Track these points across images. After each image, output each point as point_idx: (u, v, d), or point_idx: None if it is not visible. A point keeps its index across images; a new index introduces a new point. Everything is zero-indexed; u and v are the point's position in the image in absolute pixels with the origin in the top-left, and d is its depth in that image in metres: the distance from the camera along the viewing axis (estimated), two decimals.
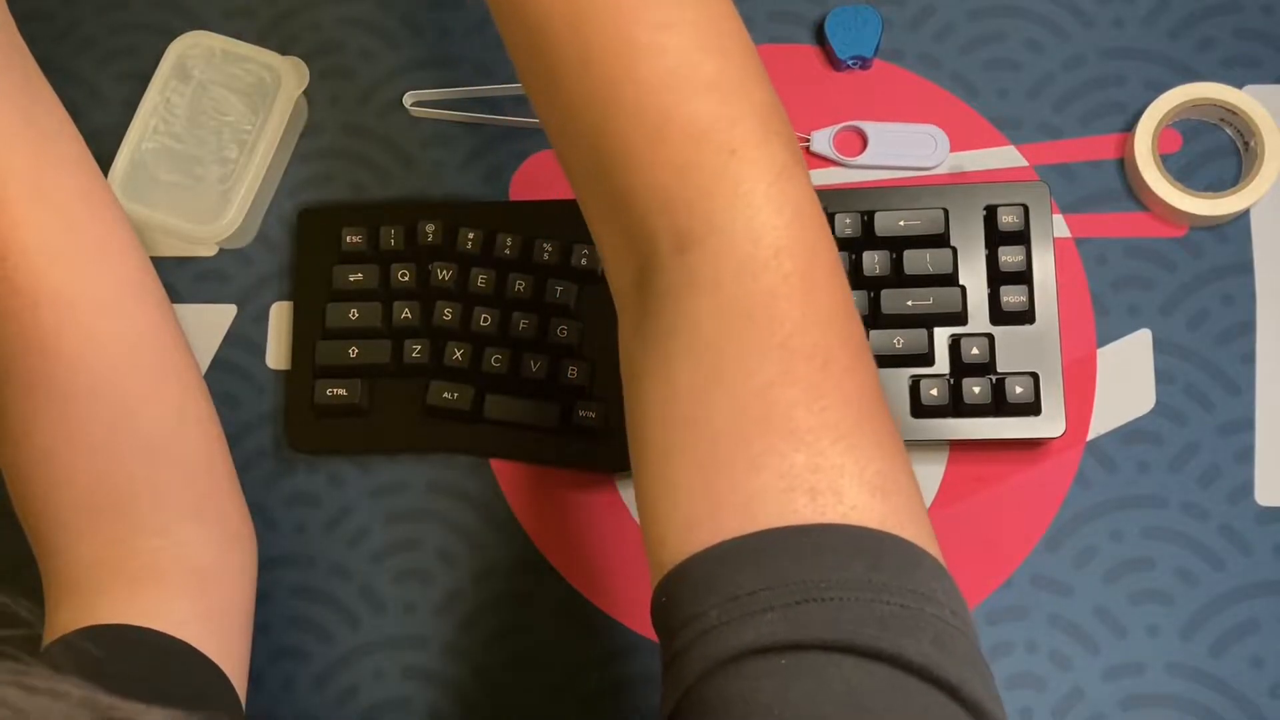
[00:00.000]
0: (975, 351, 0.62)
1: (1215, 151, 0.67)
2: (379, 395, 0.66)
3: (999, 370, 0.63)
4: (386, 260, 0.67)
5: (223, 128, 0.69)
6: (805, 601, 0.37)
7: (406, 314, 0.66)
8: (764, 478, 0.39)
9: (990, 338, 0.63)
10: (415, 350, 0.65)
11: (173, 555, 0.56)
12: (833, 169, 0.69)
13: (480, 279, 0.66)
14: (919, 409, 0.63)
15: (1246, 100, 0.65)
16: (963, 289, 0.64)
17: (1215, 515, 0.63)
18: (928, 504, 0.64)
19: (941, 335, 0.64)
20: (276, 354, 0.70)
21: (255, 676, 0.62)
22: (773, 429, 0.39)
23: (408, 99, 0.72)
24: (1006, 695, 0.62)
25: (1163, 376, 0.65)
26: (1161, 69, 0.68)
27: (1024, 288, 0.63)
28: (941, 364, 0.63)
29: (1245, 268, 0.66)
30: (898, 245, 0.63)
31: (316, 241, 0.69)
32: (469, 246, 0.66)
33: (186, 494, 0.58)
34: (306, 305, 0.68)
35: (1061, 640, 0.63)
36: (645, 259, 0.44)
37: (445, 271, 0.66)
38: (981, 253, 0.64)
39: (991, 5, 0.70)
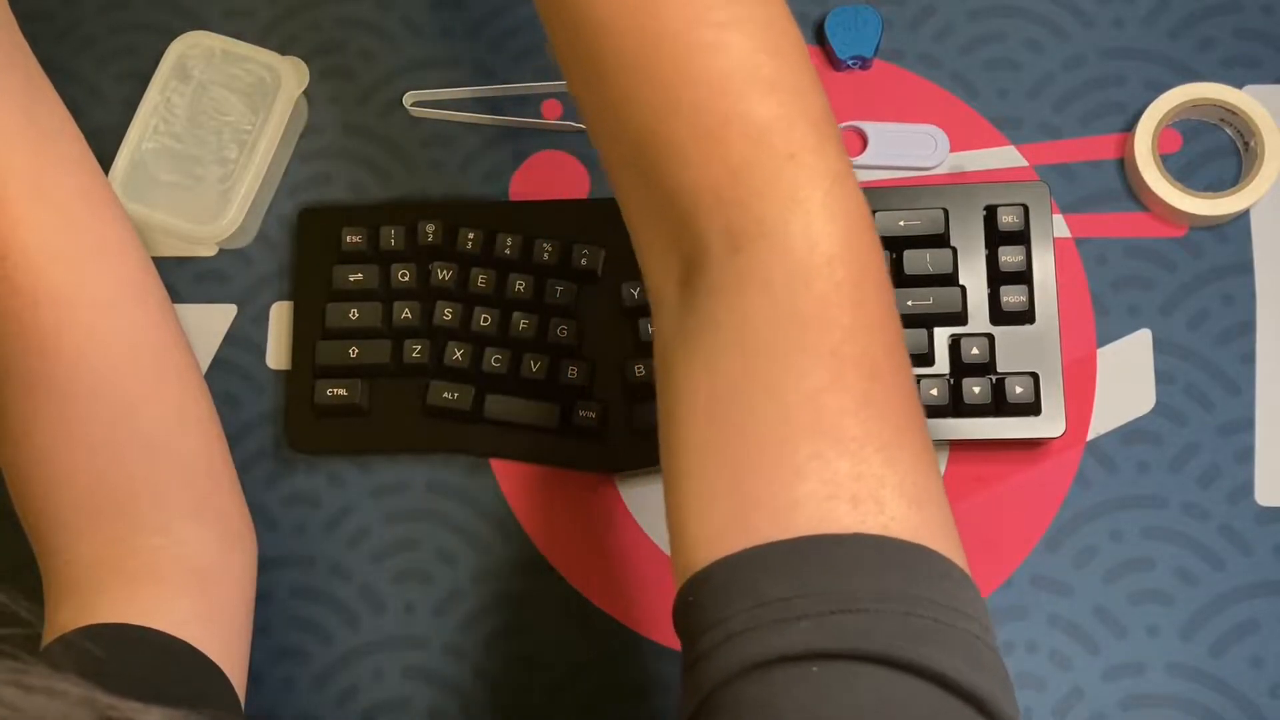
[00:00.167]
0: (975, 351, 0.62)
1: (1215, 151, 0.67)
2: (379, 395, 0.66)
3: (999, 370, 0.63)
4: (386, 260, 0.67)
5: (223, 128, 0.69)
6: (839, 612, 0.36)
7: (406, 314, 0.66)
8: (809, 484, 0.38)
9: (990, 338, 0.63)
10: (415, 350, 0.65)
11: (173, 555, 0.56)
12: None
13: (480, 279, 0.66)
14: None
15: (1246, 100, 0.65)
16: (963, 289, 0.64)
17: (1215, 515, 0.63)
18: None
19: (941, 335, 0.64)
20: (276, 354, 0.70)
21: (255, 676, 0.62)
22: (820, 435, 0.39)
23: (408, 99, 0.72)
24: None
25: (1163, 376, 0.65)
26: (1161, 69, 0.68)
27: (1024, 288, 0.63)
28: (941, 364, 0.63)
29: (1245, 268, 0.66)
30: (898, 245, 0.63)
31: (316, 241, 0.69)
32: (469, 246, 0.66)
33: (186, 493, 0.58)
34: (306, 305, 0.68)
35: (1061, 640, 0.63)
36: (692, 257, 0.43)
37: (445, 271, 0.66)
38: (981, 253, 0.64)
39: (991, 5, 0.70)
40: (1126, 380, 0.65)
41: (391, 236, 0.67)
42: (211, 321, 0.70)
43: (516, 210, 0.69)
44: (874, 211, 0.63)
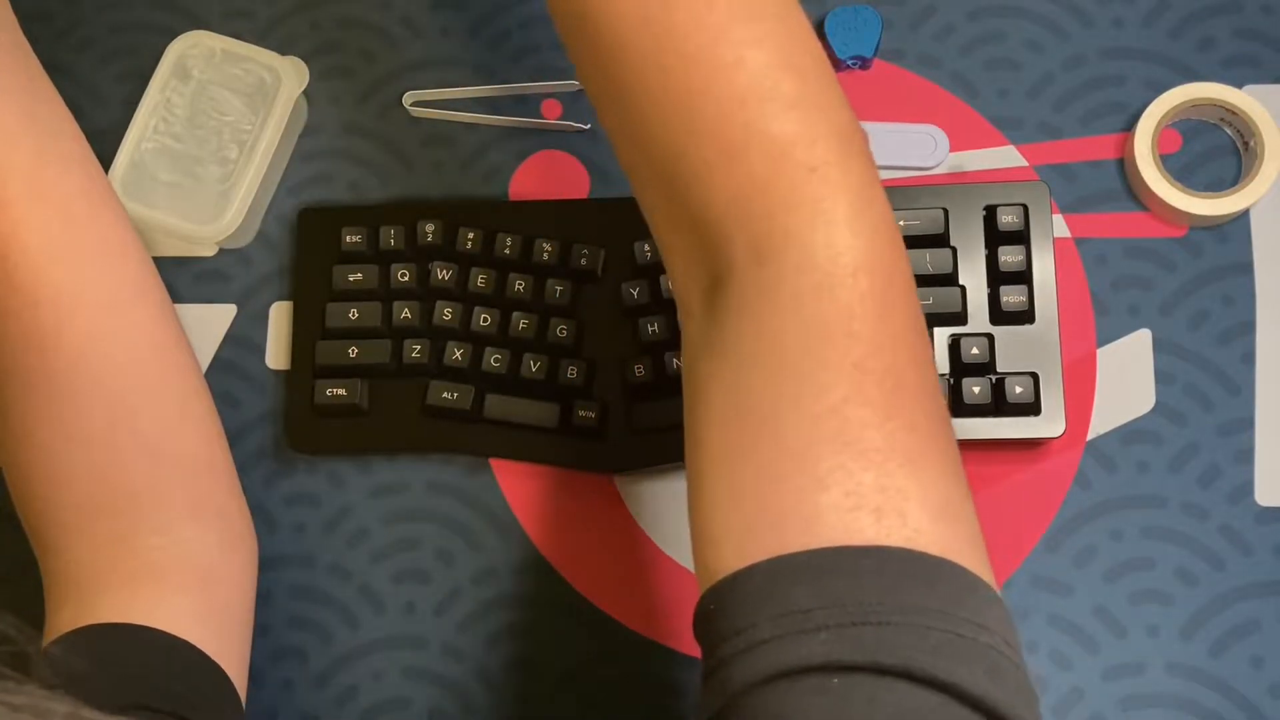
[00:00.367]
0: (975, 351, 0.62)
1: (1215, 151, 0.67)
2: (379, 395, 0.66)
3: (999, 370, 0.63)
4: (386, 260, 0.67)
5: (223, 128, 0.69)
6: (860, 624, 0.37)
7: (406, 314, 0.66)
8: (831, 495, 0.39)
9: (990, 338, 0.63)
10: (415, 350, 0.65)
11: (173, 554, 0.56)
12: None
13: (480, 279, 0.66)
14: None
15: (1246, 100, 0.65)
16: (962, 289, 0.64)
17: (1215, 515, 0.63)
18: None
19: (941, 335, 0.64)
20: (276, 354, 0.70)
21: (255, 676, 0.62)
22: (844, 447, 0.39)
23: (408, 99, 0.72)
24: None
25: (1163, 376, 0.65)
26: (1161, 69, 0.68)
27: (1024, 288, 0.63)
28: (941, 364, 0.63)
29: (1245, 268, 0.66)
30: None
31: (316, 241, 0.69)
32: (469, 246, 0.66)
33: (187, 493, 0.58)
34: (306, 305, 0.68)
35: (1061, 640, 0.63)
36: (718, 269, 0.44)
37: (445, 271, 0.66)
38: (981, 253, 0.64)
39: (991, 5, 0.70)
40: (1126, 380, 0.65)
41: (391, 236, 0.67)
42: (211, 321, 0.70)
43: (516, 210, 0.69)
44: None
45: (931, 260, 0.63)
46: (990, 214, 0.64)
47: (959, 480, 0.41)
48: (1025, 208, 0.64)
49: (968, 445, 0.64)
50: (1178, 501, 0.64)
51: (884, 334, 0.41)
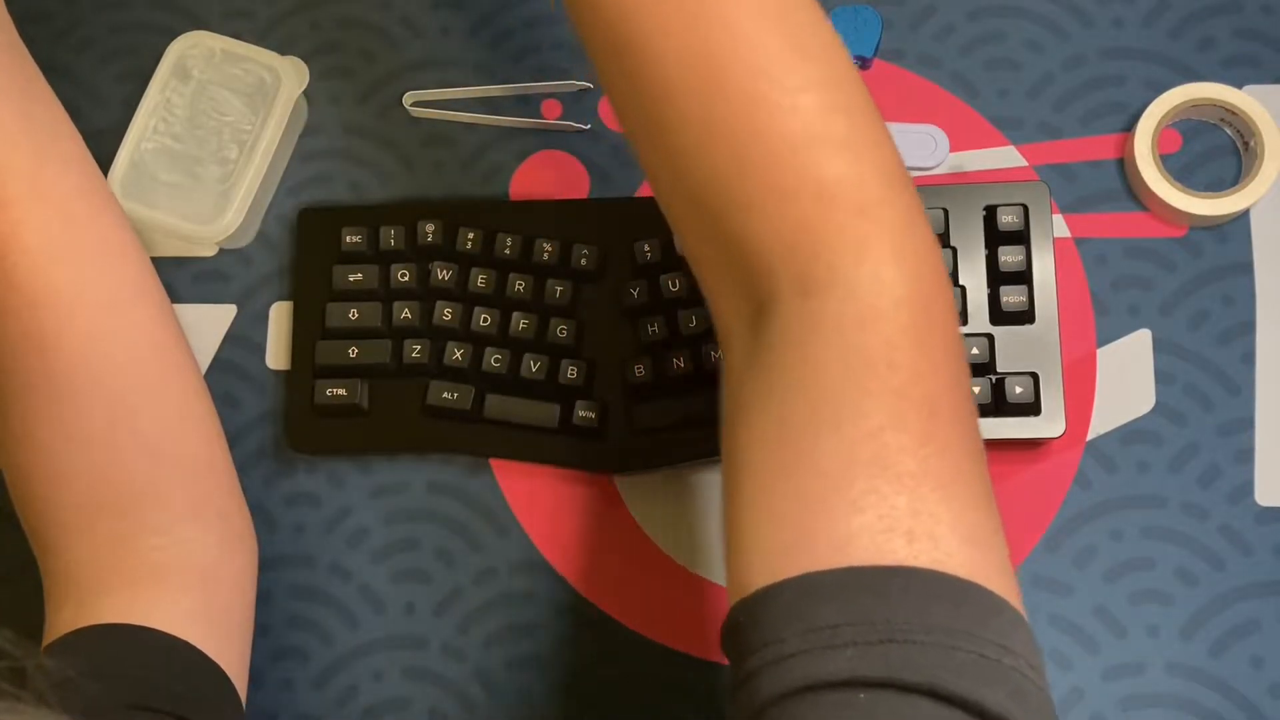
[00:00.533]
0: (975, 351, 0.62)
1: (1215, 151, 0.67)
2: (379, 395, 0.66)
3: (999, 370, 0.63)
4: (386, 260, 0.67)
5: (223, 128, 0.69)
6: (886, 641, 0.37)
7: (406, 314, 0.66)
8: (865, 517, 0.39)
9: (990, 338, 0.63)
10: (415, 350, 0.65)
11: (173, 555, 0.56)
12: None
13: (480, 279, 0.66)
14: None
15: (1246, 100, 0.65)
16: (962, 289, 0.64)
17: (1215, 515, 0.63)
18: None
19: None
20: (276, 354, 0.70)
21: (255, 676, 0.62)
22: (879, 471, 0.40)
23: (408, 99, 0.72)
24: None
25: (1163, 376, 0.65)
26: (1161, 69, 0.68)
27: (1024, 288, 0.63)
28: None
29: (1245, 268, 0.66)
30: None
31: (316, 241, 0.69)
32: (469, 246, 0.66)
33: (187, 493, 0.58)
34: (306, 305, 0.68)
35: (1061, 640, 0.63)
36: (762, 300, 0.44)
37: (445, 271, 0.66)
38: (981, 253, 0.64)
39: (991, 5, 0.70)
40: (1126, 380, 0.65)
41: (391, 236, 0.67)
42: (211, 321, 0.70)
43: (516, 210, 0.69)
44: None
45: None
46: (990, 214, 0.64)
47: (990, 507, 0.42)
48: (1025, 208, 0.64)
49: None
50: (1178, 501, 0.64)
51: (924, 363, 0.42)
